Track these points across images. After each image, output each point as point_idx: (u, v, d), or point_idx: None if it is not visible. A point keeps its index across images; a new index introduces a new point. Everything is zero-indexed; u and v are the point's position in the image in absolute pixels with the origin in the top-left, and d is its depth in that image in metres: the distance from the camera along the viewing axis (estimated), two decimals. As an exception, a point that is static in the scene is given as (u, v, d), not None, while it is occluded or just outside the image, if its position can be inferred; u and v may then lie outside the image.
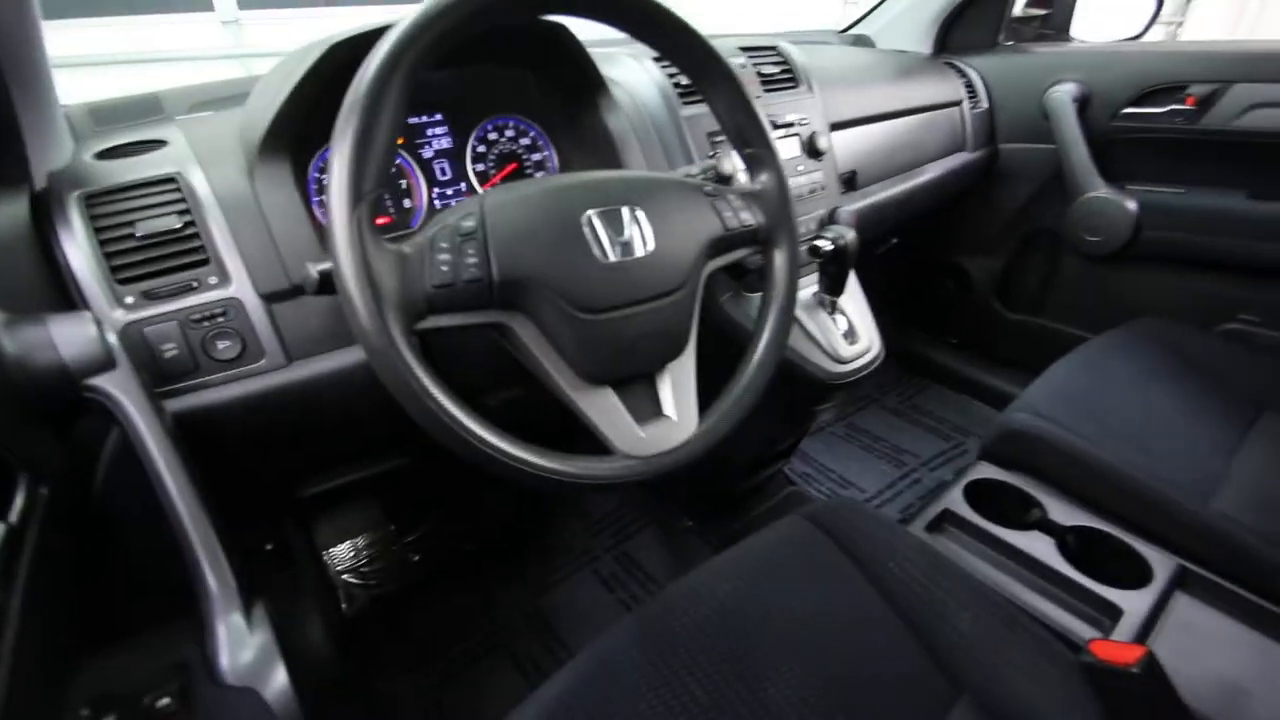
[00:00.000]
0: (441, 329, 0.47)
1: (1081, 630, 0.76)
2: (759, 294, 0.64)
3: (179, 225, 0.57)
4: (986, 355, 1.72)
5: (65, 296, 0.55)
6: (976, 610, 0.63)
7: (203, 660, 0.43)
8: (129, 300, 0.55)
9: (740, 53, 0.95)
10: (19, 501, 0.40)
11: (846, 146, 1.07)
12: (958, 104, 1.40)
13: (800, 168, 0.93)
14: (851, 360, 0.86)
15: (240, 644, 0.43)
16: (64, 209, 0.55)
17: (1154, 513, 0.83)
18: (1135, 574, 0.80)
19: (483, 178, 0.77)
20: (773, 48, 1.01)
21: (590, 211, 0.52)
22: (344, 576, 1.23)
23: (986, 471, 0.96)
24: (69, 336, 0.44)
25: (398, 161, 0.72)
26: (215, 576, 0.44)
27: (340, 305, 0.43)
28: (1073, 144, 1.34)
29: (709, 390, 0.59)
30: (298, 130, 0.61)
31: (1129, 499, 0.85)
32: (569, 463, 0.48)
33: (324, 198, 0.43)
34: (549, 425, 0.58)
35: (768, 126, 0.62)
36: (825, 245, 0.77)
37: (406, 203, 0.73)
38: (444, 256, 0.46)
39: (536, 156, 0.81)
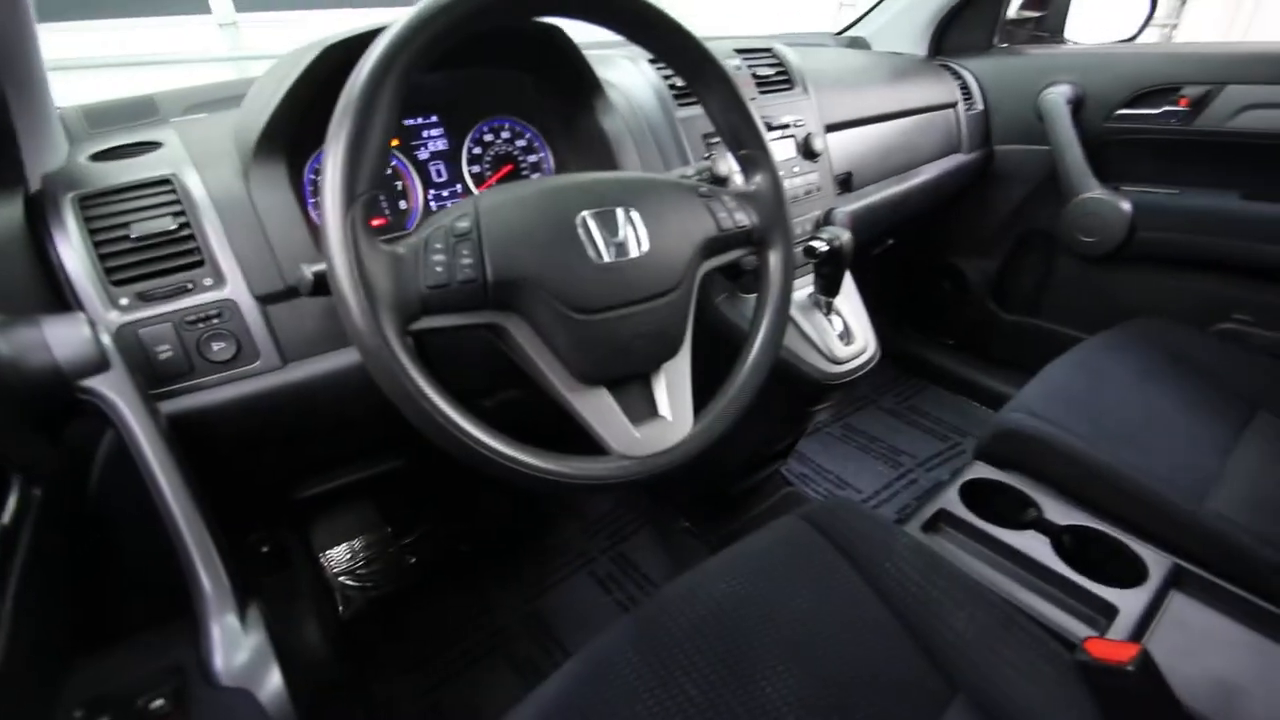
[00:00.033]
0: (436, 330, 0.47)
1: (1077, 629, 0.76)
2: (755, 295, 0.64)
3: (174, 227, 0.57)
4: (983, 356, 1.72)
5: (60, 298, 0.55)
6: (972, 609, 0.63)
7: (197, 662, 0.43)
8: (124, 302, 0.55)
9: (735, 54, 0.95)
10: (12, 502, 0.40)
11: (842, 148, 1.08)
12: (953, 106, 1.41)
13: (796, 169, 0.93)
14: (847, 361, 0.86)
15: (235, 645, 0.43)
16: (58, 211, 0.55)
17: (1149, 512, 0.83)
18: (1130, 573, 0.80)
19: (478, 179, 0.77)
20: (768, 49, 1.01)
21: (585, 212, 0.52)
22: (340, 578, 1.23)
23: (982, 471, 0.96)
24: (63, 338, 0.44)
25: (393, 163, 0.72)
26: (209, 577, 0.44)
27: (335, 306, 0.43)
28: (1067, 145, 1.34)
29: (706, 391, 0.59)
30: (293, 132, 0.61)
31: (1124, 498, 0.85)
32: (563, 463, 0.48)
33: (319, 199, 0.43)
34: (545, 427, 0.58)
35: (762, 128, 0.62)
36: (820, 246, 0.77)
37: (402, 204, 0.73)
38: (438, 257, 0.46)
39: (532, 158, 0.81)
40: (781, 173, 0.64)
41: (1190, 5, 5.53)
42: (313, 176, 0.67)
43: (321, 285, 0.46)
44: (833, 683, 0.58)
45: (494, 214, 0.49)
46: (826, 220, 0.93)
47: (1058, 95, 1.34)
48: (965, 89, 1.45)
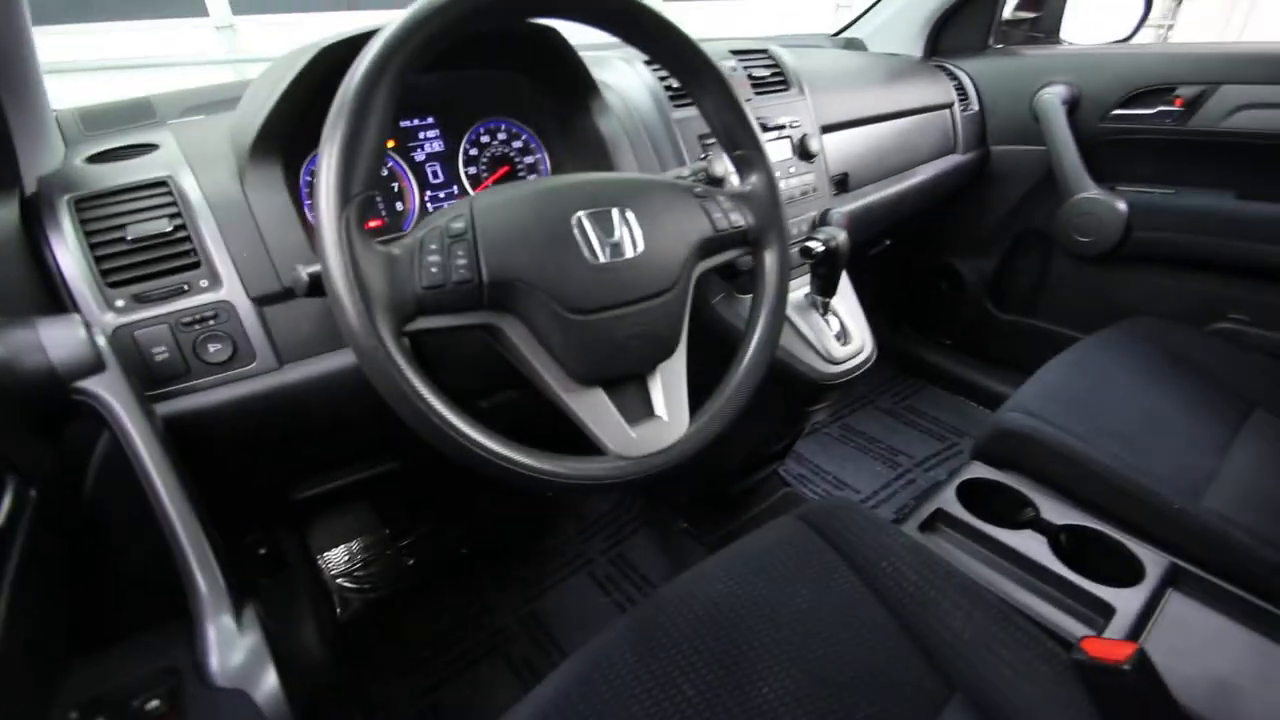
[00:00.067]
0: (432, 330, 0.47)
1: (1074, 628, 0.77)
2: (751, 295, 0.64)
3: (170, 229, 0.57)
4: (980, 356, 1.72)
5: (56, 300, 0.55)
6: (969, 609, 0.63)
7: (193, 663, 0.43)
8: (119, 304, 0.55)
9: (731, 56, 0.95)
10: (6, 504, 0.40)
11: (838, 149, 1.08)
12: (949, 106, 1.41)
13: (792, 170, 0.93)
14: (844, 361, 0.86)
15: (230, 646, 0.43)
16: (54, 213, 0.55)
17: (1146, 511, 0.83)
18: (1127, 572, 0.80)
19: (475, 181, 0.78)
20: (764, 51, 1.02)
21: (580, 213, 0.52)
22: (338, 580, 1.23)
23: (979, 471, 0.97)
24: (58, 339, 0.44)
25: (390, 165, 0.72)
26: (205, 578, 0.44)
27: (330, 307, 0.43)
28: (1063, 145, 1.35)
29: (703, 391, 0.59)
30: (289, 133, 0.61)
31: (1121, 497, 0.85)
32: (559, 463, 0.48)
33: (314, 200, 0.43)
34: (541, 428, 0.59)
35: (757, 128, 0.62)
36: (817, 246, 0.77)
37: (399, 206, 0.73)
38: (433, 258, 0.46)
39: (529, 159, 0.81)
40: (778, 173, 0.64)
41: (1186, 6, 5.55)
42: (309, 178, 0.67)
43: (317, 286, 0.46)
44: (830, 683, 0.58)
45: (489, 214, 0.50)
46: (823, 221, 0.94)
47: (1053, 95, 1.35)
48: (961, 89, 1.45)
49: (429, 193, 0.75)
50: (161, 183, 0.59)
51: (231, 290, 0.58)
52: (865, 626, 0.63)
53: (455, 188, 0.76)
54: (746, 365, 0.60)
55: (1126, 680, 0.55)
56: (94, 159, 0.63)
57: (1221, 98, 1.19)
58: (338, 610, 1.17)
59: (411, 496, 1.34)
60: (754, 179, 0.63)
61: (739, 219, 0.60)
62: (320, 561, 1.26)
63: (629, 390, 0.55)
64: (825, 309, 0.87)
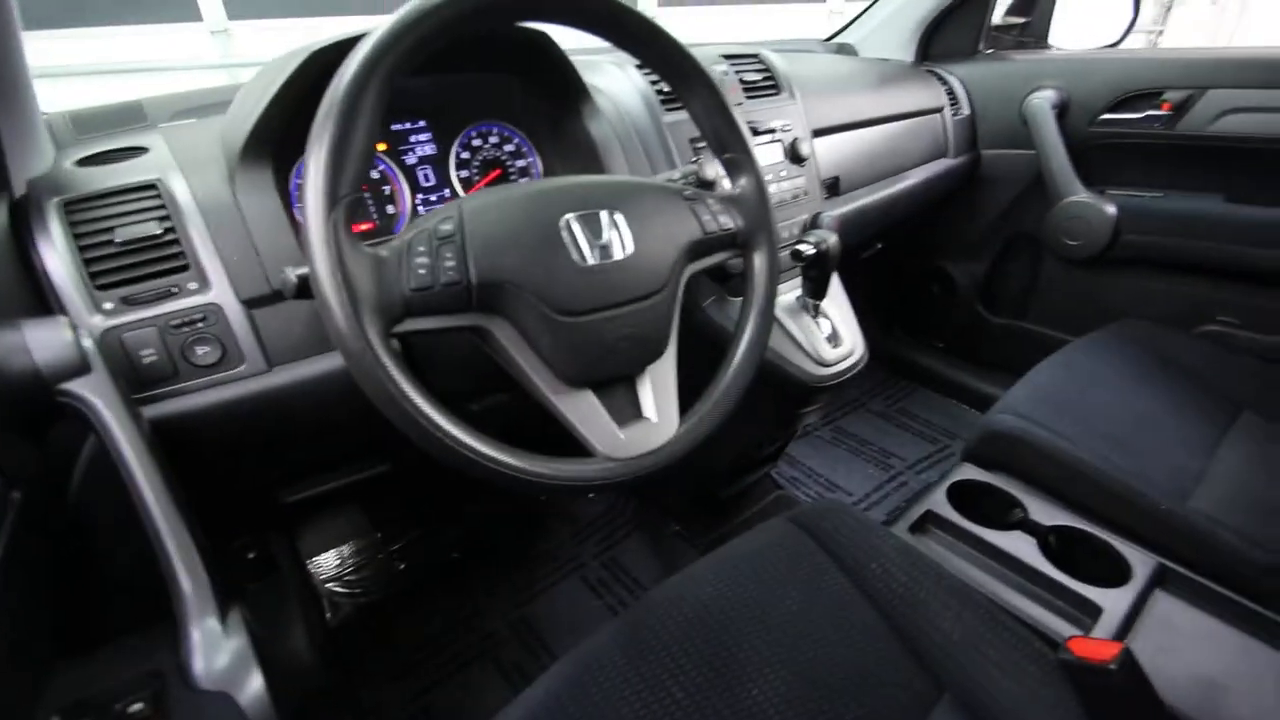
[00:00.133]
0: (420, 332, 0.47)
1: (1062, 628, 0.77)
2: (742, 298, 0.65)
3: (159, 231, 0.57)
4: (971, 359, 1.73)
5: (43, 303, 0.55)
6: (958, 610, 0.64)
7: (177, 665, 0.42)
8: (107, 306, 0.55)
9: (722, 60, 0.96)
10: (-9, 506, 0.40)
11: (829, 152, 1.09)
12: (939, 111, 1.42)
13: (783, 173, 0.94)
14: (835, 363, 0.87)
15: (215, 648, 0.43)
16: (42, 215, 0.55)
17: (1134, 511, 0.84)
18: (1115, 572, 0.81)
19: (466, 184, 0.78)
20: (755, 55, 1.02)
21: (569, 215, 0.52)
22: (328, 585, 1.22)
23: (969, 473, 0.97)
24: (43, 341, 0.44)
25: (381, 168, 0.72)
26: (189, 580, 0.44)
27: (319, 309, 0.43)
28: (1052, 149, 1.36)
29: (696, 394, 0.59)
30: (279, 136, 0.61)
31: (1109, 498, 0.86)
32: (546, 465, 0.48)
33: (302, 202, 0.43)
34: (531, 430, 0.59)
35: (746, 131, 0.63)
36: (807, 249, 0.78)
37: (390, 209, 0.73)
38: (421, 260, 0.46)
39: (521, 163, 0.81)
40: (769, 177, 0.65)
41: (1176, 12, 5.61)
42: (299, 180, 0.67)
43: (305, 288, 0.46)
44: (820, 684, 0.58)
45: (478, 216, 0.50)
46: (814, 224, 0.94)
47: (1042, 100, 1.36)
48: (952, 94, 1.46)
49: (420, 196, 0.75)
50: (151, 185, 0.59)
51: (221, 293, 0.58)
52: (855, 628, 0.63)
53: (447, 191, 0.77)
54: (735, 367, 0.60)
55: (1112, 679, 0.56)
56: (84, 162, 0.63)
57: (1209, 102, 1.20)
58: (328, 614, 1.17)
59: (403, 500, 1.33)
60: (743, 182, 0.63)
61: (728, 221, 0.61)
62: (311, 566, 1.25)
63: (618, 392, 0.55)
64: (816, 311, 0.88)
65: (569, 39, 0.66)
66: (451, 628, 1.14)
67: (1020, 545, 0.85)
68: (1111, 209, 1.32)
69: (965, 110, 1.48)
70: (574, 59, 0.75)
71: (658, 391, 0.56)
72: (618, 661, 0.59)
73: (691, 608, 0.63)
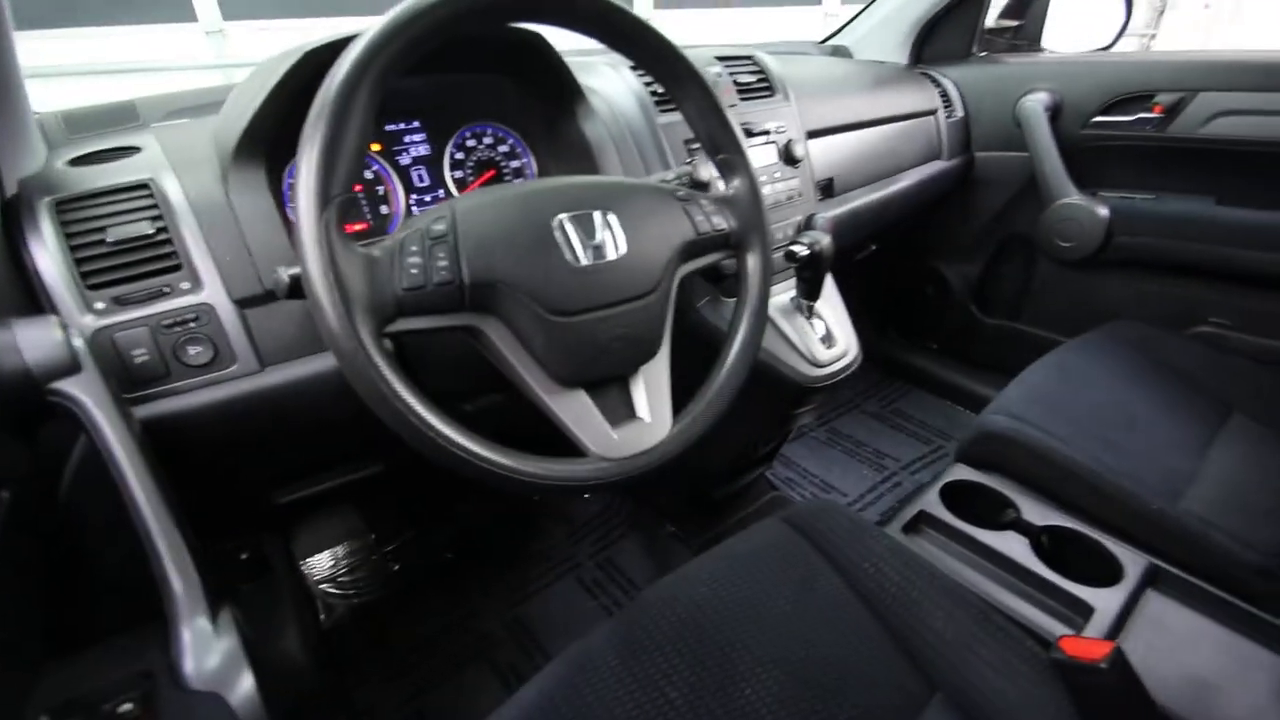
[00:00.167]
0: (412, 332, 0.47)
1: (1054, 628, 0.77)
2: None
3: (151, 231, 0.57)
4: (965, 360, 1.74)
5: (35, 303, 0.55)
6: (951, 609, 0.64)
7: (167, 665, 0.42)
8: (99, 306, 0.54)
9: (717, 62, 0.96)
10: (-20, 506, 0.40)
11: (824, 154, 1.09)
12: (933, 113, 1.43)
13: (777, 175, 0.94)
14: (828, 364, 0.87)
15: (205, 648, 0.43)
16: (34, 215, 0.55)
17: (1125, 512, 0.84)
18: (1107, 572, 0.81)
19: (460, 185, 0.78)
20: (749, 57, 1.02)
21: (562, 215, 0.52)
22: (322, 586, 1.22)
23: (962, 473, 0.97)
24: (34, 340, 0.44)
25: (375, 168, 0.72)
26: (180, 580, 0.44)
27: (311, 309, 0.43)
28: (1045, 152, 1.36)
29: (690, 394, 0.59)
30: (272, 136, 0.61)
31: (1101, 498, 0.86)
32: (539, 464, 0.48)
33: (294, 202, 0.43)
34: (524, 430, 0.59)
35: (739, 132, 0.63)
36: (801, 250, 0.78)
37: (384, 210, 0.73)
38: (414, 259, 0.46)
39: (515, 164, 0.81)
40: (763, 178, 0.65)
41: (1168, 16, 5.64)
42: (291, 180, 0.67)
43: (297, 288, 0.46)
44: (813, 684, 0.58)
45: (470, 216, 0.50)
46: (807, 225, 0.94)
47: (1035, 103, 1.36)
48: (945, 96, 1.47)
49: (414, 196, 0.75)
50: (143, 185, 0.59)
51: (213, 293, 0.58)
52: (848, 628, 0.63)
53: (441, 191, 0.77)
54: (728, 368, 0.61)
55: (1103, 679, 0.56)
56: (76, 161, 0.62)
57: (1200, 104, 1.21)
58: (322, 615, 1.16)
59: (397, 501, 1.33)
60: (737, 183, 0.63)
61: (721, 222, 0.61)
62: (305, 566, 1.25)
63: (611, 392, 0.55)
64: (810, 312, 0.88)
65: (563, 40, 0.66)
66: (446, 629, 1.14)
67: (1013, 545, 0.86)
68: (1104, 211, 1.33)
69: (959, 112, 1.48)
70: (568, 60, 0.75)
71: (651, 392, 0.57)
72: (612, 662, 0.59)
73: (685, 608, 0.63)
